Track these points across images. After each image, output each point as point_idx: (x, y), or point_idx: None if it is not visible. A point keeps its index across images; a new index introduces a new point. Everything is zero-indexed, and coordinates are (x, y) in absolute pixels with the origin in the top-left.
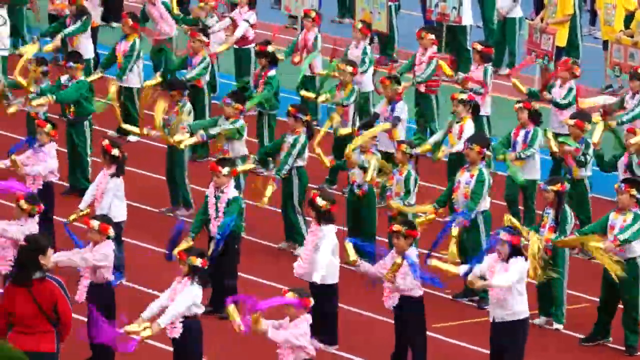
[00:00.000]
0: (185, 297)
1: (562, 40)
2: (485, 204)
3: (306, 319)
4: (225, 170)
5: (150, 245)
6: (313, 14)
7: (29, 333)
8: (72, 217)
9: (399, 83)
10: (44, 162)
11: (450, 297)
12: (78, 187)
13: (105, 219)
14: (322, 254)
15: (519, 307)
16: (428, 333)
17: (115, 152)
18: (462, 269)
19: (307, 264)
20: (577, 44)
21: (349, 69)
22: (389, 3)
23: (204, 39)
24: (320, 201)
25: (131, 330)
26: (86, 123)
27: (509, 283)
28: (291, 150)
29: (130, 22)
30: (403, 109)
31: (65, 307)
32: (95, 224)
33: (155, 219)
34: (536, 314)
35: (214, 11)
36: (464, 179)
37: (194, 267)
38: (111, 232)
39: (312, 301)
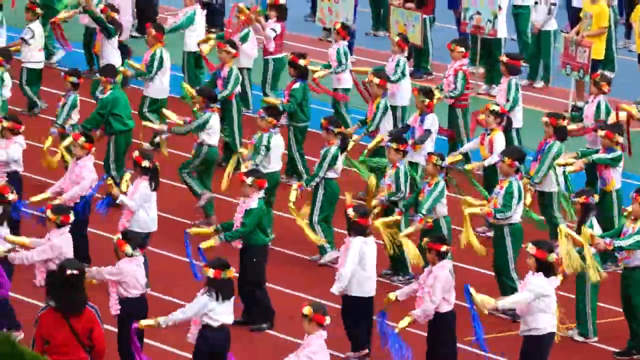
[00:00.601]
0: (192, 305)
1: (598, 53)
2: (515, 217)
3: (320, 336)
4: (249, 180)
5: (174, 254)
6: (337, 26)
7: None
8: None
9: (427, 95)
10: (82, 180)
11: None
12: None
13: (124, 235)
14: (345, 265)
15: (537, 324)
16: (460, 345)
17: (145, 163)
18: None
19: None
20: (613, 57)
21: (376, 80)
22: (424, 16)
23: (232, 50)
24: (350, 212)
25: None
26: (112, 139)
27: (526, 300)
28: (322, 162)
29: (154, 32)
30: (433, 121)
31: (100, 334)
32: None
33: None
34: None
35: (245, 26)
36: (495, 190)
37: (207, 278)
38: (128, 249)
39: (327, 319)
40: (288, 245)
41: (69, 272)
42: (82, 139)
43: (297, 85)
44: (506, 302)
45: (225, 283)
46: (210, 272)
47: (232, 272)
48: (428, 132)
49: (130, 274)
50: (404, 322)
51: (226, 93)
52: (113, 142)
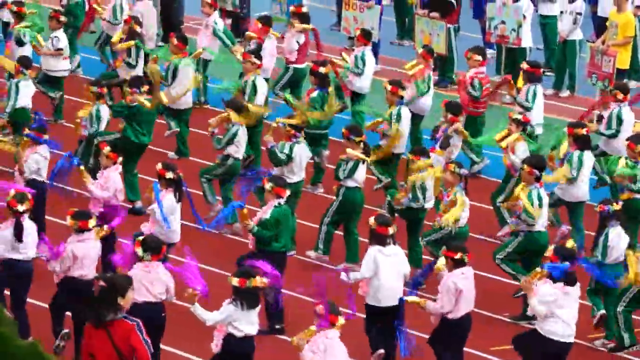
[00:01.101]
0: (217, 314)
1: (623, 62)
2: (541, 222)
3: (325, 335)
4: (268, 186)
5: (205, 265)
6: (357, 32)
7: None
8: None
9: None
10: (107, 188)
11: (508, 319)
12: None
13: (142, 240)
14: (359, 271)
15: (548, 327)
16: (486, 355)
17: (169, 175)
18: None
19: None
20: (638, 66)
21: (389, 87)
22: (448, 25)
23: (256, 61)
24: (370, 220)
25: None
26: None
27: (538, 310)
28: (337, 168)
29: (175, 41)
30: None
31: (142, 349)
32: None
33: (211, 238)
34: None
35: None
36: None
37: (233, 287)
38: (139, 251)
39: (340, 319)
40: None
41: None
42: (107, 149)
43: (315, 93)
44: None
45: (250, 292)
46: (235, 281)
47: (258, 281)
48: (447, 137)
49: (136, 278)
50: (413, 299)
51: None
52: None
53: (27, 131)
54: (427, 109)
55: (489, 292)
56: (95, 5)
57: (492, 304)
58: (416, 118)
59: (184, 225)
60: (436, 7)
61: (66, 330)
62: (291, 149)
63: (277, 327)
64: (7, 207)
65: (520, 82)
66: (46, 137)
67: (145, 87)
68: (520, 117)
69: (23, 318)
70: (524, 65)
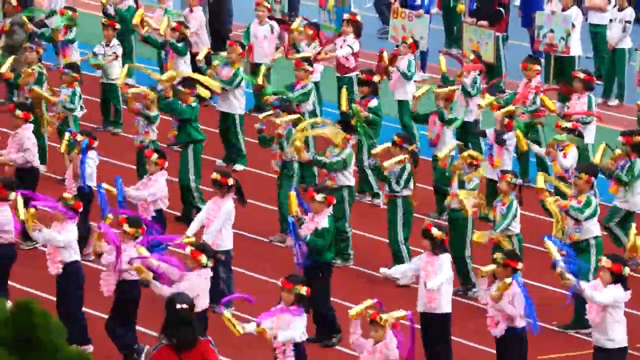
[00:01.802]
0: (299, 325)
1: None
2: (595, 229)
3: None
4: (320, 197)
5: (255, 274)
6: (409, 40)
7: None
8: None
9: (508, 115)
10: (149, 190)
11: (556, 328)
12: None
13: (199, 246)
14: (434, 280)
15: (616, 335)
16: None
17: (230, 181)
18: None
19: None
20: None
21: (441, 104)
22: (497, 34)
23: (309, 68)
24: (435, 231)
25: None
26: (190, 149)
27: (600, 300)
28: (398, 179)
29: (240, 50)
30: (512, 140)
31: None
32: (187, 250)
33: (260, 247)
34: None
35: (312, 40)
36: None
37: (300, 296)
38: (203, 259)
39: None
40: (363, 262)
41: (178, 306)
42: (155, 156)
43: (375, 102)
44: (587, 289)
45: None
46: (304, 290)
47: (304, 289)
48: (502, 141)
49: (200, 286)
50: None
51: (290, 96)
52: (192, 151)
53: (79, 137)
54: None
55: (538, 300)
56: (146, 19)
57: (541, 312)
58: (467, 125)
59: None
60: (485, 15)
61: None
62: (348, 154)
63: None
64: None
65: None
66: (96, 143)
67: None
68: (569, 125)
69: None
70: (580, 74)
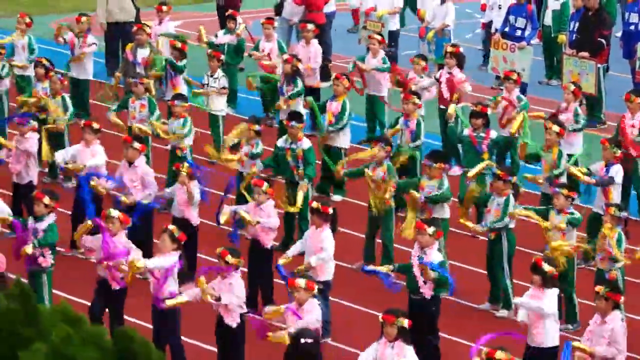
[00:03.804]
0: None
1: None
2: None
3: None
4: (431, 230)
5: (353, 304)
6: (514, 76)
7: None
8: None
9: (618, 146)
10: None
11: None
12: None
13: (308, 276)
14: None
15: None
16: None
17: (330, 210)
18: None
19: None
20: None
21: (556, 128)
22: (598, 65)
23: (417, 101)
24: (546, 266)
25: None
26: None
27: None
28: (505, 211)
29: (347, 82)
30: (619, 172)
31: None
32: (301, 282)
33: (354, 276)
34: None
35: (423, 72)
36: None
37: (403, 329)
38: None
39: None
40: (462, 295)
41: (302, 341)
42: (265, 185)
43: (494, 134)
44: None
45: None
46: (406, 322)
47: (405, 322)
48: (611, 179)
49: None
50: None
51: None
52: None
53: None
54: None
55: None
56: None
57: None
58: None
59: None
60: (586, 46)
61: None
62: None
63: None
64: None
65: None
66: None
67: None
68: None
69: None
70: None
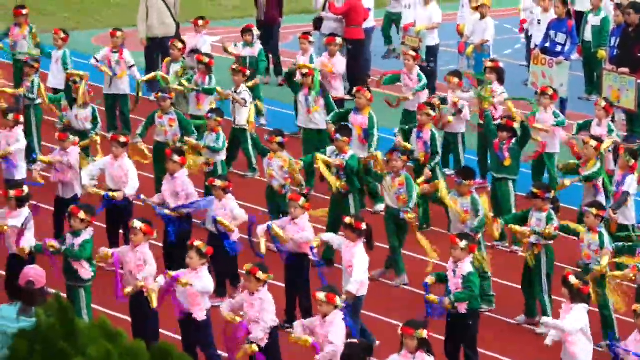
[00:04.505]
0: None
1: None
2: None
3: None
4: (463, 244)
5: (374, 314)
6: (550, 92)
7: None
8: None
9: (632, 155)
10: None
11: None
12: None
13: (329, 289)
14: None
15: None
16: None
17: (364, 225)
18: None
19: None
20: None
21: (593, 143)
22: (638, 81)
23: (431, 112)
24: (572, 279)
25: None
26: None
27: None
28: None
29: (369, 95)
30: (632, 183)
31: None
32: (321, 295)
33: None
34: None
35: (458, 88)
36: None
37: (423, 340)
38: (338, 301)
39: None
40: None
41: None
42: (302, 200)
43: (513, 144)
44: None
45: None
46: (425, 334)
47: (424, 333)
48: (626, 193)
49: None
50: None
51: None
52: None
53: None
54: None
55: None
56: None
57: None
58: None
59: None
60: (626, 62)
61: None
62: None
63: None
64: None
65: None
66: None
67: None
68: None
69: None
70: None
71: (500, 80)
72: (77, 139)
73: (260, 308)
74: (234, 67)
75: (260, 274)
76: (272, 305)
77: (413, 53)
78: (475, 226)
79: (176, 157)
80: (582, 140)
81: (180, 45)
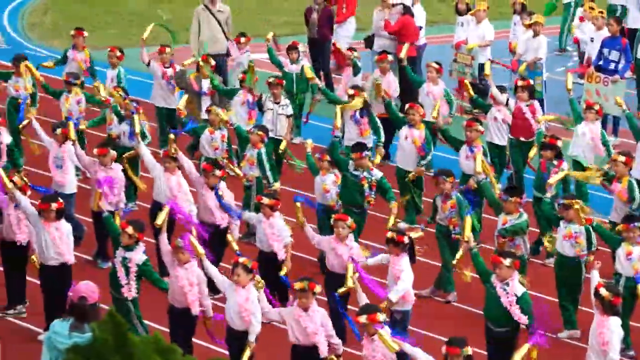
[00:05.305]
0: None
1: None
2: None
3: None
4: (508, 261)
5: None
6: (597, 107)
7: None
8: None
9: None
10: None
11: None
12: None
13: (366, 309)
14: (612, 348)
15: None
16: None
17: (406, 239)
18: None
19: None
20: None
21: (622, 159)
22: None
23: (480, 128)
24: (603, 292)
25: None
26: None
27: None
28: (590, 240)
29: (422, 110)
30: None
31: None
32: (363, 319)
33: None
34: None
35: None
36: None
37: (469, 357)
38: (381, 317)
39: None
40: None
41: None
42: (350, 220)
43: (565, 165)
44: None
45: None
46: (470, 351)
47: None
48: None
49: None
50: None
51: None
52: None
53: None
54: None
55: None
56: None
57: None
58: None
59: None
60: None
61: None
62: (526, 221)
63: None
64: None
65: None
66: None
67: None
68: None
69: None
70: None
71: (532, 98)
72: (115, 153)
73: (321, 321)
74: (272, 80)
75: (318, 288)
76: (327, 319)
77: (436, 65)
78: (513, 226)
79: (217, 172)
80: (612, 158)
81: (213, 61)
